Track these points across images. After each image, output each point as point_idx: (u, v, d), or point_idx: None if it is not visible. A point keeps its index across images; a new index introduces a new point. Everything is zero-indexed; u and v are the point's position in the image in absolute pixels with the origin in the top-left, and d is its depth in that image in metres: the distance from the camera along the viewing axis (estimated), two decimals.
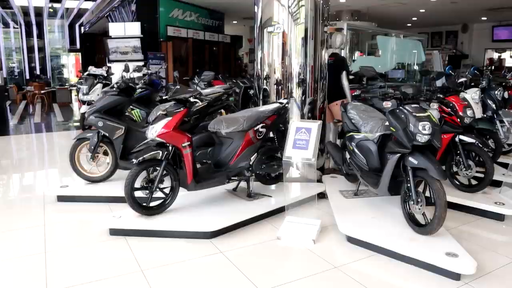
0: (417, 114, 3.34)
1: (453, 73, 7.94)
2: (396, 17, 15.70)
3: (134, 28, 11.38)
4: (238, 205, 4.20)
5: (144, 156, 3.77)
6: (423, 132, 3.26)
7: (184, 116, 3.85)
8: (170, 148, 3.83)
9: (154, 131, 3.77)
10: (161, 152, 3.80)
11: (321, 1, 4.94)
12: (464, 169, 4.39)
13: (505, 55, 18.57)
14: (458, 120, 4.40)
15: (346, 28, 6.05)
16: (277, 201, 4.27)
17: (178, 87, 4.00)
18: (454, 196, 4.39)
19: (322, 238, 3.72)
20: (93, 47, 22.35)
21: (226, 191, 4.57)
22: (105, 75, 8.27)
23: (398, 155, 3.42)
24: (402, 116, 3.41)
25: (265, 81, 5.07)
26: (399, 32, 7.98)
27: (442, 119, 4.45)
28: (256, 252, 3.51)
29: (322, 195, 4.65)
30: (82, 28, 22.28)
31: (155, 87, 6.23)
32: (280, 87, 4.97)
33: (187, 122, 3.97)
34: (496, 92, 6.24)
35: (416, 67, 8.89)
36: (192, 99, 3.82)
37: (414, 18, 16.42)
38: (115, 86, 5.03)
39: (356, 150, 4.08)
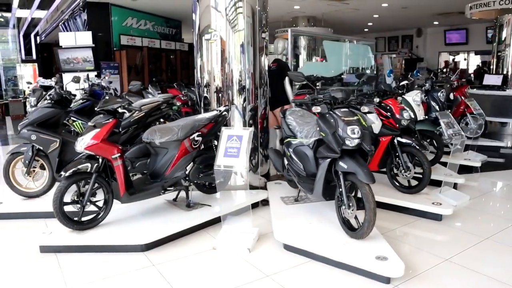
0: (346, 118, 3.33)
1: (413, 77, 8.08)
2: (352, 23, 15.98)
3: (86, 37, 11.07)
4: (176, 215, 4.09)
5: (72, 169, 3.61)
6: (352, 136, 3.25)
7: (114, 127, 3.72)
8: (100, 160, 3.69)
9: (82, 143, 3.64)
10: (90, 165, 3.65)
11: (259, 8, 4.91)
12: (403, 170, 4.43)
13: (459, 57, 19.19)
14: (396, 122, 4.44)
15: (290, 34, 6.05)
16: (217, 210, 4.18)
17: (107, 97, 3.87)
18: (394, 197, 4.42)
19: (259, 246, 3.65)
20: (50, 57, 21.70)
21: (166, 202, 4.45)
22: (54, 86, 7.99)
23: (329, 160, 3.40)
24: (332, 120, 3.39)
25: (205, 89, 4.99)
26: (348, 37, 8.07)
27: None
28: (189, 263, 3.40)
29: (267, 202, 4.59)
30: (38, 38, 21.61)
31: (97, 98, 6.03)
32: (220, 94, 4.90)
33: (118, 133, 3.82)
34: (439, 93, 6.39)
35: (368, 71, 9.02)
36: (120, 110, 3.69)
37: (370, 24, 16.76)
38: (47, 98, 4.84)
39: (293, 156, 4.04)
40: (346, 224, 3.44)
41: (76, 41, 11.02)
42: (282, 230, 3.65)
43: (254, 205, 4.59)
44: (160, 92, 8.23)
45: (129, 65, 12.26)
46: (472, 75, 16.75)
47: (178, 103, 7.93)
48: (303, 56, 14.08)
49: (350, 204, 3.32)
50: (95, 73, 10.38)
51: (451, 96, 7.85)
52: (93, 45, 11.09)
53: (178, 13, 14.13)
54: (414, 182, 4.56)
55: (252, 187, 4.96)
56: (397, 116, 4.41)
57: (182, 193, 4.39)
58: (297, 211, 4.12)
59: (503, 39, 9.04)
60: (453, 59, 19.10)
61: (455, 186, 5.14)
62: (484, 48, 14.93)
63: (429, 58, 18.01)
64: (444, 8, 12.93)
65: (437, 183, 4.96)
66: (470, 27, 16.40)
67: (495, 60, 9.42)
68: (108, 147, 3.66)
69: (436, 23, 16.40)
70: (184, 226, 3.90)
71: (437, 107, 6.33)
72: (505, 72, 9.00)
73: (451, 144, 5.12)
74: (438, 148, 5.49)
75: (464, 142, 5.00)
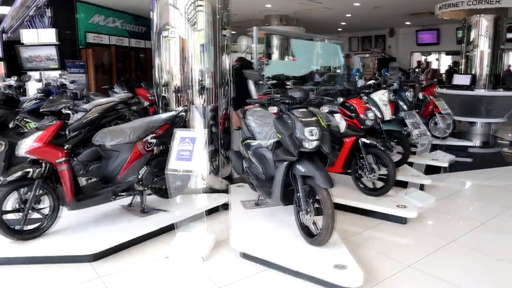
0: (304, 119, 3.16)
1: (381, 76, 8.02)
2: (325, 22, 15.91)
3: (49, 35, 10.66)
4: (129, 222, 3.86)
5: (12, 175, 3.34)
6: (310, 138, 3.08)
7: (59, 130, 3.46)
8: (44, 165, 3.42)
9: (24, 147, 3.37)
10: (31, 170, 3.38)
11: (220, 6, 4.72)
12: (368, 172, 4.30)
13: (431, 58, 19.39)
14: (360, 123, 4.31)
15: (255, 31, 5.87)
16: (174, 215, 3.95)
17: (52, 98, 3.61)
18: (358, 200, 4.29)
19: (215, 254, 3.45)
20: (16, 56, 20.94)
21: (121, 207, 4.20)
22: (15, 85, 7.61)
23: (287, 163, 3.23)
24: (289, 121, 3.22)
25: (164, 89, 4.76)
26: (317, 36, 7.94)
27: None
28: (138, 274, 3.18)
29: (228, 206, 4.40)
30: (4, 35, 20.83)
31: None
32: (179, 94, 4.69)
33: (64, 136, 3.56)
34: (407, 93, 6.32)
35: (338, 71, 8.92)
36: (64, 111, 3.44)
37: (343, 23, 16.74)
38: None
39: (252, 159, 3.86)
40: (305, 230, 3.28)
41: (39, 39, 10.62)
42: (239, 238, 3.46)
43: (214, 210, 4.41)
44: (126, 91, 7.93)
45: (96, 63, 11.85)
46: (444, 75, 16.94)
47: (147, 103, 7.71)
48: (275, 55, 13.98)
49: (308, 210, 3.16)
50: (60, 72, 10.03)
51: (420, 95, 7.84)
52: (58, 43, 10.70)
53: (148, 11, 13.74)
54: (380, 184, 4.44)
55: (213, 190, 4.77)
56: (361, 116, 4.28)
57: (138, 198, 4.16)
58: (257, 215, 3.94)
59: (471, 40, 9.07)
60: (425, 59, 19.29)
61: (421, 187, 5.05)
62: (455, 49, 15.03)
63: (401, 58, 18.10)
64: (416, 8, 12.97)
65: (404, 184, 4.87)
66: (441, 27, 16.56)
67: (463, 60, 9.45)
68: (52, 151, 3.40)
69: (408, 23, 16.49)
70: (136, 233, 3.67)
71: (405, 107, 6.26)
72: (473, 72, 9.02)
73: (419, 144, 5.04)
74: (405, 149, 5.39)
75: (430, 142, 4.92)
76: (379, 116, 5.32)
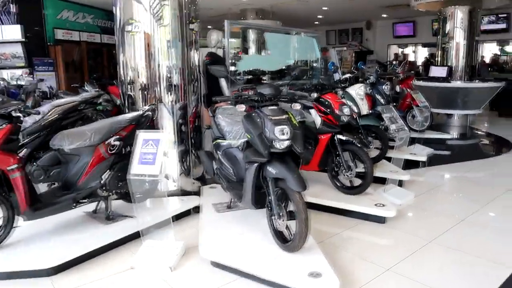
0: (274, 117, 2.96)
1: (358, 70, 7.86)
2: (301, 16, 15.73)
3: (14, 31, 10.21)
4: (93, 230, 3.61)
5: None
6: (280, 137, 2.88)
7: (9, 134, 3.18)
8: None
9: None
10: None
11: (186, 0, 4.49)
12: (344, 170, 4.14)
13: (408, 50, 19.42)
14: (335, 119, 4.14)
15: (227, 26, 5.63)
16: (141, 222, 3.72)
17: (0, 100, 3.32)
18: (335, 200, 4.13)
19: (184, 263, 3.23)
20: None
21: (85, 214, 3.94)
22: None
23: (256, 164, 3.02)
24: (258, 120, 3.01)
25: (129, 87, 4.51)
26: (293, 29, 7.74)
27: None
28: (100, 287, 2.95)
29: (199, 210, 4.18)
30: None
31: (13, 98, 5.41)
32: (146, 92, 4.44)
33: (16, 141, 3.28)
34: (383, 86, 6.18)
35: (315, 64, 8.75)
36: (15, 114, 3.16)
37: (320, 16, 16.58)
38: None
39: (222, 159, 3.65)
40: (278, 236, 3.09)
41: (3, 35, 10.15)
42: (208, 245, 3.25)
43: (186, 213, 4.20)
44: (98, 90, 7.60)
45: (66, 61, 11.42)
46: (421, 67, 16.97)
47: (119, 101, 7.40)
48: (252, 49, 13.73)
49: (281, 214, 2.97)
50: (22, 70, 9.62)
51: (398, 88, 7.74)
52: (24, 40, 10.26)
53: None
54: (358, 181, 4.27)
55: (184, 193, 4.55)
56: (337, 112, 4.11)
57: (104, 204, 3.90)
58: (229, 219, 3.73)
59: (447, 32, 9.02)
60: (402, 52, 19.30)
61: (400, 183, 4.93)
62: (431, 41, 15.05)
63: (378, 51, 18.07)
64: (392, 1, 12.90)
65: (383, 180, 4.75)
66: (417, 20, 16.55)
67: (440, 52, 9.40)
68: (1, 158, 3.12)
69: (384, 15, 16.43)
70: (101, 242, 3.42)
71: (382, 101, 6.12)
72: (449, 64, 8.98)
73: (397, 139, 4.91)
74: (383, 144, 5.26)
75: (408, 137, 4.79)
76: (356, 110, 5.18)
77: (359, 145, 4.02)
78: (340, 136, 4.09)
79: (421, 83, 8.87)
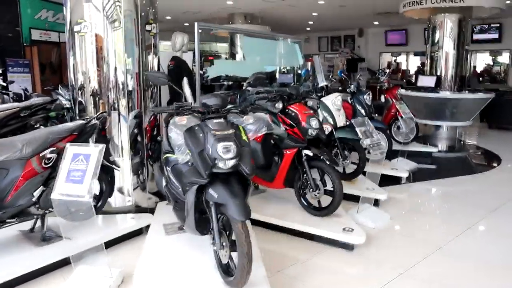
0: (219, 132, 2.56)
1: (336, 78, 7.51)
2: (292, 21, 15.41)
3: None
4: (24, 253, 3.18)
5: None
6: (224, 156, 2.48)
7: None
8: None
9: None
10: None
11: (144, 2, 4.11)
12: (312, 189, 3.74)
13: (401, 58, 19.13)
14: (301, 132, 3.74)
15: (196, 28, 5.24)
16: (85, 241, 3.28)
17: None
18: (300, 222, 3.73)
19: None
20: None
21: (20, 233, 3.52)
22: None
23: (197, 186, 2.62)
24: (200, 135, 2.61)
25: (80, 92, 4.10)
26: (275, 34, 7.38)
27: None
28: None
29: None
30: None
31: None
32: (98, 98, 4.03)
33: None
34: (365, 96, 5.80)
35: (299, 71, 8.38)
36: None
37: (311, 22, 16.27)
38: None
39: (170, 176, 3.24)
40: (223, 267, 2.68)
41: None
42: (145, 275, 2.83)
43: (137, 233, 3.79)
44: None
45: (43, 62, 10.98)
46: (414, 76, 16.66)
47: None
48: (239, 55, 13.37)
49: (223, 244, 2.56)
50: None
51: (382, 98, 7.37)
52: None
53: None
54: (328, 200, 3.86)
55: (139, 209, 4.15)
56: (304, 124, 3.71)
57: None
58: (176, 243, 3.31)
59: (436, 41, 8.69)
60: (395, 60, 19.02)
61: (376, 202, 4.53)
62: (423, 49, 14.77)
63: (370, 59, 17.77)
64: (383, 7, 12.58)
65: (359, 199, 4.35)
66: (409, 28, 16.28)
67: (429, 61, 9.06)
68: None
69: (376, 23, 16.13)
70: (30, 267, 3.03)
71: (362, 111, 5.74)
72: (438, 74, 8.63)
73: (371, 155, 4.51)
74: (360, 158, 4.87)
75: (384, 152, 4.40)
76: (331, 122, 4.80)
77: (327, 162, 3.62)
78: (307, 152, 3.69)
79: (409, 92, 8.52)
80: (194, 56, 5.50)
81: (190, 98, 4.56)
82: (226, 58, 15.69)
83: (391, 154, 6.11)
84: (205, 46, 21.26)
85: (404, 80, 16.30)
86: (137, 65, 4.11)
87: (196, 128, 2.65)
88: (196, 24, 5.29)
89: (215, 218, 2.57)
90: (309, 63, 10.47)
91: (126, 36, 4.01)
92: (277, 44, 7.16)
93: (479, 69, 15.73)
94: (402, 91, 8.54)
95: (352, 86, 5.94)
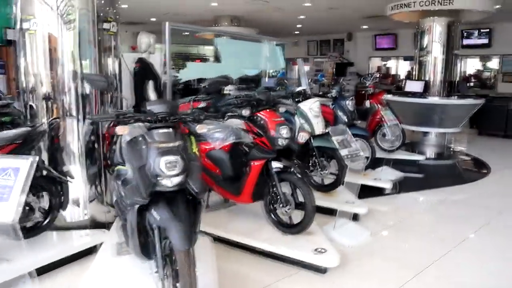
0: (163, 145, 2.21)
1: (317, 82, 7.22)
2: (279, 24, 15.09)
3: None
4: None
5: None
6: (168, 172, 2.14)
7: None
8: None
9: None
10: None
11: (102, 1, 3.77)
12: (282, 204, 3.40)
13: (391, 63, 18.89)
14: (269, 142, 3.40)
15: (168, 28, 4.89)
16: (22, 264, 2.91)
17: None
18: (268, 241, 3.38)
19: None
20: None
21: None
22: None
23: (137, 206, 2.27)
24: (143, 147, 2.26)
25: (31, 96, 3.75)
26: (255, 36, 7.06)
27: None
28: None
29: None
30: None
31: None
32: (50, 102, 3.68)
33: None
34: (347, 102, 5.50)
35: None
36: None
37: (299, 25, 15.97)
38: None
39: (120, 190, 2.88)
40: None
41: None
42: None
43: (91, 250, 3.43)
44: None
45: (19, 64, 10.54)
46: (404, 80, 16.41)
47: None
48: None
49: (166, 273, 2.21)
50: None
51: (367, 104, 7.08)
52: None
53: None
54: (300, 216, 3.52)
55: (95, 224, 3.79)
56: (272, 133, 3.37)
57: None
58: (124, 266, 2.93)
59: (424, 45, 8.43)
60: (385, 65, 18.80)
61: (356, 217, 4.21)
62: (413, 54, 14.54)
63: (359, 63, 17.47)
64: (372, 11, 12.30)
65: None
66: (399, 32, 16.03)
67: (417, 66, 8.79)
68: None
69: (365, 27, 15.87)
70: None
71: (344, 118, 5.43)
72: (426, 78, 8.36)
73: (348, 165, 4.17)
74: (340, 169, 4.52)
75: (364, 163, 4.07)
76: (309, 130, 4.47)
77: (299, 175, 3.28)
78: (276, 163, 3.35)
79: (396, 98, 8.23)
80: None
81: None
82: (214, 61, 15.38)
83: (375, 163, 5.80)
84: (191, 49, 21.01)
85: (394, 85, 16.07)
86: (94, 67, 3.77)
87: (139, 139, 2.30)
88: (166, 23, 4.95)
89: (158, 244, 2.22)
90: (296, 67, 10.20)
91: (81, 36, 3.67)
92: (257, 46, 6.83)
93: (467, 74, 15.53)
94: (389, 96, 8.27)
95: (334, 91, 5.65)
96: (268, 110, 3.53)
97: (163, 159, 2.14)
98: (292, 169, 3.29)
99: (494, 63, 14.57)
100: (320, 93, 5.54)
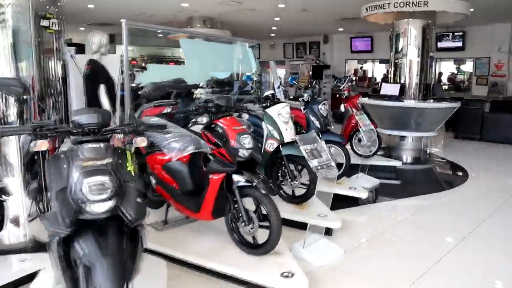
0: (89, 163, 1.83)
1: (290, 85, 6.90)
2: (254, 26, 14.79)
3: None
4: None
5: None
6: (93, 197, 1.76)
7: None
8: None
9: None
10: None
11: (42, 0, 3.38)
12: (244, 223, 3.04)
13: (367, 66, 18.81)
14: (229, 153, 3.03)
15: (125, 27, 4.48)
16: None
17: None
18: (231, 264, 3.02)
19: None
20: None
21: None
22: None
23: (58, 238, 1.87)
24: (65, 166, 1.88)
25: None
26: (217, 37, 6.69)
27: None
28: None
29: None
30: None
31: None
32: None
33: None
34: (319, 106, 5.18)
35: (255, 78, 7.74)
36: None
37: (274, 28, 15.71)
38: None
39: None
40: None
41: None
42: None
43: (32, 277, 2.99)
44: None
45: None
46: (380, 83, 16.32)
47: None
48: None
49: None
50: None
51: (342, 107, 6.80)
52: None
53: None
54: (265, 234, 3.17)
55: (39, 246, 3.37)
56: (233, 143, 3.01)
57: None
58: None
59: (400, 49, 8.23)
60: (361, 67, 18.71)
61: (329, 231, 3.88)
62: (388, 57, 14.46)
63: (336, 66, 17.32)
64: (346, 13, 12.12)
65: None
66: (375, 35, 15.94)
67: (393, 69, 8.57)
68: None
69: (341, 29, 15.72)
70: None
71: (316, 123, 5.12)
72: (402, 81, 8.15)
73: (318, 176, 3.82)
74: (311, 179, 4.20)
75: (336, 174, 3.75)
76: (277, 137, 4.14)
77: (263, 190, 2.93)
78: (238, 177, 2.99)
79: (371, 101, 8.00)
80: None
81: (108, 109, 3.80)
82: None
83: (351, 170, 5.51)
84: (166, 51, 20.52)
85: (371, 88, 15.99)
86: (32, 70, 3.35)
87: (62, 156, 1.91)
88: (123, 22, 4.54)
89: (82, 282, 1.82)
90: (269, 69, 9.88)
91: (17, 36, 3.25)
92: (227, 48, 6.50)
93: (443, 77, 15.53)
94: (365, 99, 8.04)
95: (305, 94, 5.34)
96: (228, 117, 3.16)
97: (86, 181, 1.76)
98: (255, 184, 2.93)
99: (468, 66, 14.61)
100: (291, 97, 5.21)
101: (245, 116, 3.46)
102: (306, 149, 3.41)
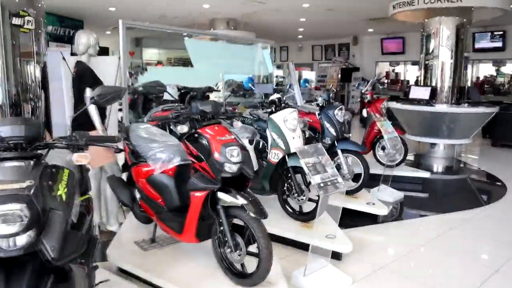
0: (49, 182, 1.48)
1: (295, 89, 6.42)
2: (279, 28, 14.36)
3: None
4: None
5: None
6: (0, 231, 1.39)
7: None
8: None
9: None
10: None
11: (17, 1, 3.09)
12: (231, 249, 2.62)
13: (399, 68, 18.04)
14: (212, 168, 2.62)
15: (122, 26, 4.18)
16: None
17: None
18: None
19: None
20: None
21: None
22: None
23: None
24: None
25: None
26: (228, 37, 6.31)
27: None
28: None
29: None
30: None
31: None
32: None
33: None
34: (335, 111, 4.71)
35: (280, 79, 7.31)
36: None
37: (301, 29, 15.23)
38: None
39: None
40: None
41: None
42: None
43: None
44: None
45: None
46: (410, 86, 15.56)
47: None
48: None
49: None
50: None
51: (365, 113, 6.27)
52: None
53: (78, 11, 12.05)
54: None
55: None
56: (216, 156, 2.58)
57: None
58: None
59: (430, 50, 7.62)
60: (393, 70, 17.95)
61: (337, 255, 3.40)
62: None
63: (366, 68, 16.66)
64: (374, 12, 11.53)
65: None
66: (407, 35, 15.20)
67: (423, 71, 7.96)
68: None
69: (371, 30, 15.07)
70: None
71: (332, 130, 4.65)
72: (433, 84, 7.53)
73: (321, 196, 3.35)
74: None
75: (343, 191, 3.26)
76: (283, 147, 3.70)
77: (252, 214, 2.49)
78: (222, 196, 2.57)
79: (399, 105, 7.44)
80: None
81: (95, 116, 3.47)
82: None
83: (373, 181, 4.99)
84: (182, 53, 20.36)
85: (402, 92, 15.25)
86: (8, 73, 3.06)
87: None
88: (120, 21, 4.26)
89: None
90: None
91: None
92: (239, 49, 6.10)
93: (481, 80, 14.61)
94: (393, 103, 7.48)
95: (320, 98, 4.86)
96: (216, 125, 2.75)
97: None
98: (242, 205, 2.50)
99: (508, 68, 13.67)
100: (304, 101, 4.76)
101: (238, 124, 3.04)
102: (307, 163, 2.95)
